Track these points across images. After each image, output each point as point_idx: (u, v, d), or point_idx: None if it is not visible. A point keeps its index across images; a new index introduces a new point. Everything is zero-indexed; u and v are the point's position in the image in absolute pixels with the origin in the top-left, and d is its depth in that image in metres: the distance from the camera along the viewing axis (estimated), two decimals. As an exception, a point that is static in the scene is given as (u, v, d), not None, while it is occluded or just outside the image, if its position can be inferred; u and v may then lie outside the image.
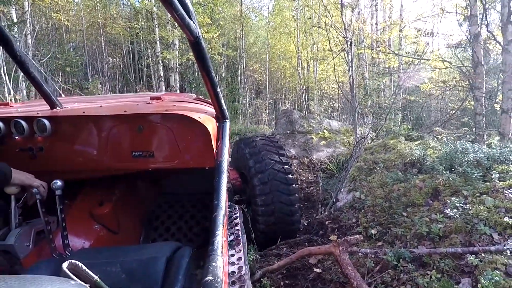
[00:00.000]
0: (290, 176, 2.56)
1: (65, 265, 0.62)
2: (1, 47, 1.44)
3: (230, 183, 2.80)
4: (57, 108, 1.64)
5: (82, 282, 0.61)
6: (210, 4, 8.70)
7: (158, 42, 7.80)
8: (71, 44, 13.27)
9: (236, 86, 15.71)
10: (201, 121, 1.44)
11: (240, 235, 1.58)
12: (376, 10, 11.57)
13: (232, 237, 1.55)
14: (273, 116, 17.49)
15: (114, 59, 14.23)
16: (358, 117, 4.54)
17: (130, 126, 1.49)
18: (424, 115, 7.99)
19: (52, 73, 11.98)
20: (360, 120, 6.17)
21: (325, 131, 5.92)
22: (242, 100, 15.50)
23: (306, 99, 16.06)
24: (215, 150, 1.48)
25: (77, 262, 0.63)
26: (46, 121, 1.45)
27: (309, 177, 4.81)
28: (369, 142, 4.54)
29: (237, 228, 1.65)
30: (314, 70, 17.03)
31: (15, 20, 9.28)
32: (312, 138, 5.69)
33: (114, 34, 12.53)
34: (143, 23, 8.90)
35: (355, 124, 4.40)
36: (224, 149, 1.46)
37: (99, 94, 12.04)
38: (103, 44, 13.86)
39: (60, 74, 12.15)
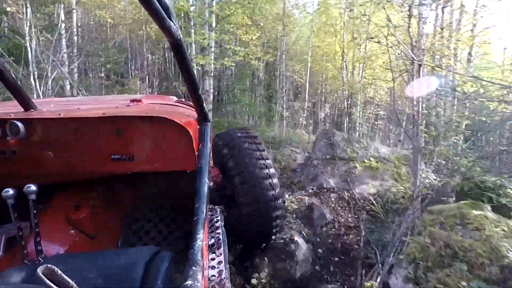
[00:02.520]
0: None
1: (40, 270, 0.59)
2: None
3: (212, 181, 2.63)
4: (32, 110, 1.55)
5: None
6: (250, 4, 8.08)
7: (193, 45, 7.37)
8: (114, 41, 13.43)
9: (274, 88, 15.03)
10: (182, 123, 1.43)
11: (221, 238, 1.56)
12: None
13: (212, 241, 1.53)
14: (311, 121, 16.61)
15: (153, 56, 14.23)
16: (420, 160, 3.69)
17: (109, 128, 1.45)
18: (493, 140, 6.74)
19: (94, 69, 12.19)
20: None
21: (371, 159, 5.10)
22: (279, 102, 14.80)
23: (349, 105, 14.94)
24: (196, 153, 1.45)
25: (53, 267, 0.61)
26: (19, 124, 1.40)
27: (349, 219, 4.07)
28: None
29: (218, 231, 1.63)
30: (359, 74, 15.84)
31: (63, 18, 9.42)
32: (356, 167, 4.90)
33: (154, 30, 12.46)
34: (180, 23, 8.55)
35: (416, 169, 3.55)
36: (206, 152, 1.43)
37: (138, 90, 12.09)
38: (144, 41, 13.91)
39: (102, 71, 12.36)
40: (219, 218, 1.78)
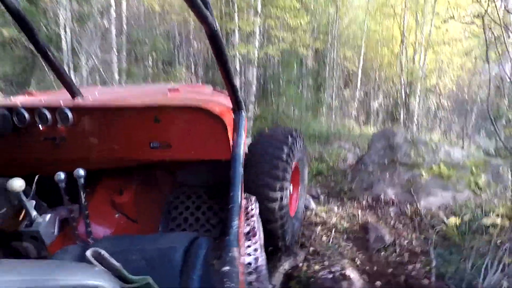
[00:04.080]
0: None
1: (89, 253, 0.65)
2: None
3: None
4: (79, 98, 1.63)
5: (105, 269, 0.64)
6: (300, -15, 7.29)
7: (236, 32, 6.86)
8: (162, 29, 13.48)
9: (323, 76, 14.02)
10: (218, 113, 1.46)
11: (256, 226, 1.58)
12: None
13: (248, 228, 1.56)
14: (362, 111, 15.36)
15: (200, 44, 14.07)
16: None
17: (148, 117, 1.50)
18: None
19: (142, 57, 12.34)
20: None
21: (441, 165, 4.21)
22: (328, 91, 13.78)
23: (407, 95, 13.43)
24: (231, 142, 1.49)
25: (100, 250, 0.66)
26: (68, 111, 1.47)
27: (414, 241, 3.33)
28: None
29: (253, 219, 1.65)
30: (420, 60, 14.13)
31: (113, 4, 9.53)
32: (421, 175, 4.07)
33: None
34: (223, 8, 8.06)
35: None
36: (240, 141, 1.48)
37: (183, 79, 12.05)
38: (192, 29, 13.78)
39: (149, 59, 12.49)
40: (254, 206, 1.80)
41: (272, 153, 2.16)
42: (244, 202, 1.76)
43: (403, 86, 13.88)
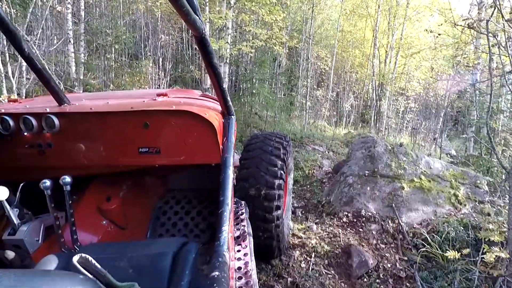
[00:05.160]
0: None
1: (75, 259, 0.64)
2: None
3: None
4: (65, 104, 1.59)
5: (92, 276, 0.63)
6: (276, -22, 6.87)
7: (207, 25, 6.30)
8: (127, 19, 12.48)
9: (296, 74, 13.76)
10: (207, 117, 1.46)
11: (246, 230, 1.57)
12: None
13: (238, 233, 1.54)
14: (335, 113, 15.35)
15: (169, 37, 13.25)
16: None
17: (137, 122, 1.50)
18: None
19: (104, 50, 11.33)
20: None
21: (422, 176, 4.02)
22: (301, 91, 13.55)
23: (378, 97, 13.57)
24: (221, 146, 1.49)
25: (87, 256, 0.65)
26: (54, 118, 1.47)
27: (397, 263, 3.08)
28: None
29: (243, 223, 1.64)
30: (391, 62, 14.36)
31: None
32: (403, 188, 3.85)
33: (169, 9, 11.40)
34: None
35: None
36: (230, 145, 1.47)
37: (149, 74, 11.23)
38: (159, 18, 12.93)
39: (112, 52, 11.50)
40: (244, 210, 1.78)
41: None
42: (234, 206, 1.74)
43: (374, 89, 14.03)
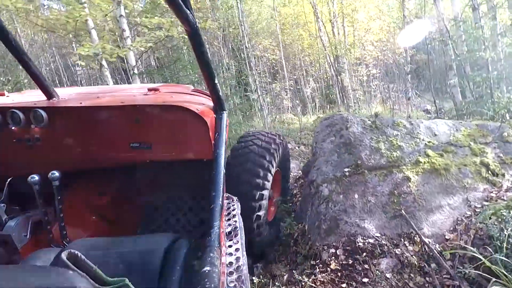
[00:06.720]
0: None
1: (63, 255, 0.61)
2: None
3: None
4: (54, 99, 1.56)
5: (81, 272, 0.61)
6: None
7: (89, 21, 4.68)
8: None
9: (246, 72, 12.35)
10: (199, 112, 1.45)
11: (238, 226, 1.50)
12: None
13: (229, 228, 1.48)
14: (297, 101, 14.08)
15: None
16: None
17: (128, 117, 1.47)
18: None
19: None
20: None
21: (429, 152, 2.62)
22: (255, 86, 12.13)
23: (337, 72, 12.40)
24: (212, 142, 1.46)
25: (76, 252, 0.63)
26: (42, 112, 1.44)
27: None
28: None
29: (234, 219, 1.56)
30: (339, 32, 13.31)
31: None
32: (408, 179, 2.42)
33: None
34: None
35: None
36: (222, 141, 1.44)
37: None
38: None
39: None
40: (235, 206, 1.71)
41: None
42: (225, 202, 1.65)
43: (331, 64, 12.91)
